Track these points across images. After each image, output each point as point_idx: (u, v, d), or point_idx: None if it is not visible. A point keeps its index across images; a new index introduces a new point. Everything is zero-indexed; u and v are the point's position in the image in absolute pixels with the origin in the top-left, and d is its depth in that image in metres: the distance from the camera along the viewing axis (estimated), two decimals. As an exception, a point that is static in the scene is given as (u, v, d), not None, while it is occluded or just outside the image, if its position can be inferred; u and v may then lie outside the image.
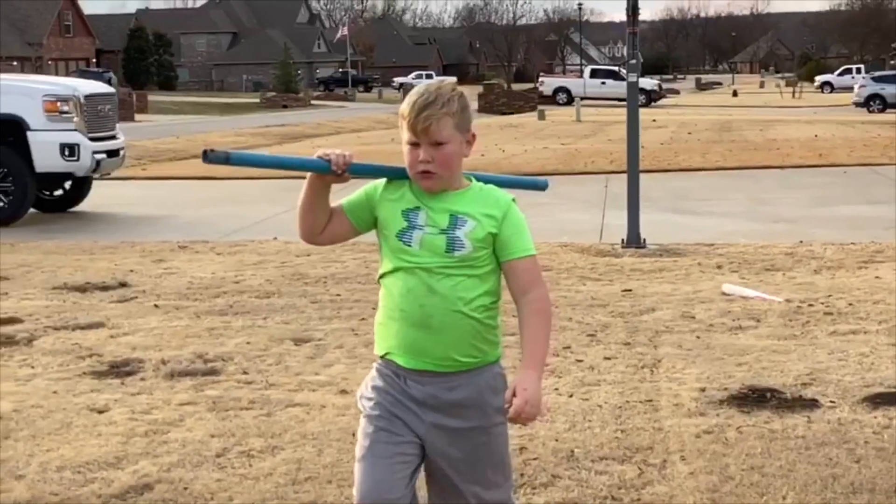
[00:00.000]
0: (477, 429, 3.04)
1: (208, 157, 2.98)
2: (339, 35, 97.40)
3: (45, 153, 13.41)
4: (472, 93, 67.50)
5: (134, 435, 5.19)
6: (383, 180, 3.09)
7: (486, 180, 3.15)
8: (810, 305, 7.90)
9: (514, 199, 3.08)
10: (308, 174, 3.03)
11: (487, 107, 53.14)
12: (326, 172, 2.99)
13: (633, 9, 11.11)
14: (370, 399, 3.06)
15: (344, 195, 3.16)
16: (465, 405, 3.01)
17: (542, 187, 3.62)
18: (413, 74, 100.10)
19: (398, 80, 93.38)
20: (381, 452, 2.98)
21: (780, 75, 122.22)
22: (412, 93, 3.01)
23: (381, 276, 3.06)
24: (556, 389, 5.88)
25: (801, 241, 10.87)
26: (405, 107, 2.99)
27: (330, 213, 3.10)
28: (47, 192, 14.89)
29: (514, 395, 2.94)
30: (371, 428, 3.01)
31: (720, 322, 7.43)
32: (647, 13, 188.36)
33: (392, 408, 3.01)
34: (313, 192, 3.05)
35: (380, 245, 3.07)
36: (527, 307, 3.01)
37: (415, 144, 2.97)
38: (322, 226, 3.10)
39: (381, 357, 3.07)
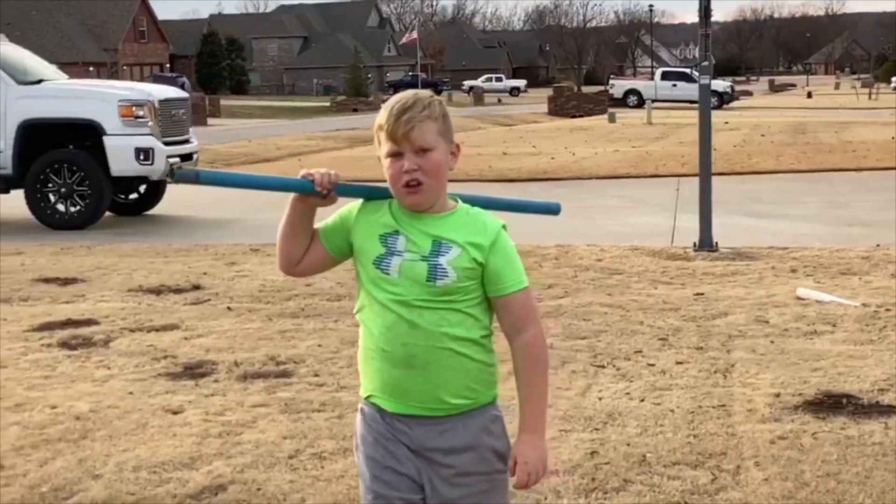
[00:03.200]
0: (475, 475, 2.75)
1: (175, 175, 2.74)
2: (405, 38, 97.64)
3: (120, 157, 13.61)
4: (541, 95, 67.51)
5: (208, 436, 5.24)
6: (360, 201, 2.80)
7: (485, 204, 2.88)
8: (887, 310, 7.76)
9: (504, 226, 2.78)
10: (291, 196, 2.74)
11: (557, 110, 52.94)
12: (310, 193, 2.70)
13: (705, 10, 11.02)
14: (363, 455, 2.79)
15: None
16: (460, 450, 2.74)
17: (554, 211, 3.22)
18: (483, 78, 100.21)
19: (468, 83, 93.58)
20: None
21: (855, 76, 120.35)
22: (387, 102, 2.73)
23: (359, 311, 2.78)
24: (628, 394, 5.84)
25: (878, 245, 10.69)
26: (382, 115, 2.70)
27: (311, 238, 2.81)
28: (122, 196, 15.12)
29: (514, 463, 2.75)
30: (370, 495, 2.75)
31: (795, 327, 7.33)
32: (719, 14, 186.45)
33: (385, 461, 2.74)
34: (295, 216, 2.76)
35: (356, 274, 2.78)
36: (521, 352, 2.75)
37: (396, 155, 2.67)
38: (300, 254, 2.80)
39: (365, 398, 2.81)
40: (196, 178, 2.75)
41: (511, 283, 2.73)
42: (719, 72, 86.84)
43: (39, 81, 14.32)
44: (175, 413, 5.63)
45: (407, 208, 2.72)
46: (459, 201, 2.83)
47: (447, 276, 2.68)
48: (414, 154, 2.67)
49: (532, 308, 2.78)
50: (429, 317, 2.68)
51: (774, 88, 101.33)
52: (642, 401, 5.72)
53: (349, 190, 2.77)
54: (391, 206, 2.75)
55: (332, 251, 2.80)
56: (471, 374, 2.73)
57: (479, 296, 2.73)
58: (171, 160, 13.98)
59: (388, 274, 2.69)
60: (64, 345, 7.16)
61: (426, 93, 2.75)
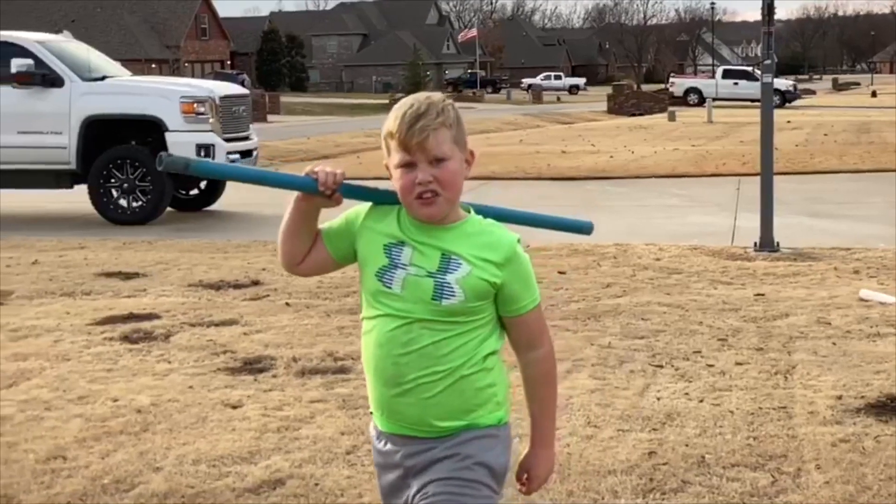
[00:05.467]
0: (449, 480, 2.53)
1: (163, 162, 2.53)
2: (464, 36, 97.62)
3: (181, 153, 13.60)
4: (600, 94, 67.23)
5: (266, 431, 5.28)
6: (368, 205, 2.62)
7: (506, 217, 2.69)
8: (953, 313, 7.64)
9: (518, 240, 2.58)
10: (294, 193, 2.59)
11: (617, 108, 52.71)
12: (313, 192, 2.54)
13: (768, 8, 10.90)
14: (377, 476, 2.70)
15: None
16: (440, 459, 2.55)
17: (585, 231, 2.98)
18: (542, 76, 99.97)
19: (527, 81, 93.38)
20: None
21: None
22: (397, 107, 2.54)
23: (362, 318, 2.63)
24: (686, 394, 5.80)
25: (943, 246, 10.52)
26: (392, 122, 2.51)
27: (315, 239, 2.66)
28: (183, 192, 15.27)
29: (527, 477, 2.66)
30: None
31: (857, 328, 7.24)
32: (782, 12, 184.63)
33: (387, 498, 2.67)
34: (298, 215, 2.60)
35: (360, 280, 2.62)
36: (534, 368, 2.62)
37: (409, 165, 2.48)
38: (302, 254, 2.65)
39: (371, 412, 2.68)
40: (185, 168, 2.56)
41: (528, 302, 2.58)
42: (782, 70, 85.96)
43: (103, 78, 14.49)
44: (234, 407, 5.67)
45: (420, 221, 2.53)
46: (472, 211, 2.62)
47: (454, 295, 2.49)
48: (428, 164, 2.48)
49: (544, 323, 2.65)
50: (428, 338, 2.50)
51: (838, 87, 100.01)
52: (701, 401, 5.67)
53: (356, 192, 2.60)
54: (400, 213, 2.56)
55: (336, 255, 2.64)
56: (466, 396, 2.54)
57: (488, 314, 2.56)
58: (231, 156, 14.11)
59: (389, 288, 2.52)
60: (125, 338, 7.24)
61: (439, 96, 2.57)
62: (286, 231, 2.63)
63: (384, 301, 2.53)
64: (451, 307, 2.49)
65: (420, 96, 2.55)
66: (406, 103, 2.52)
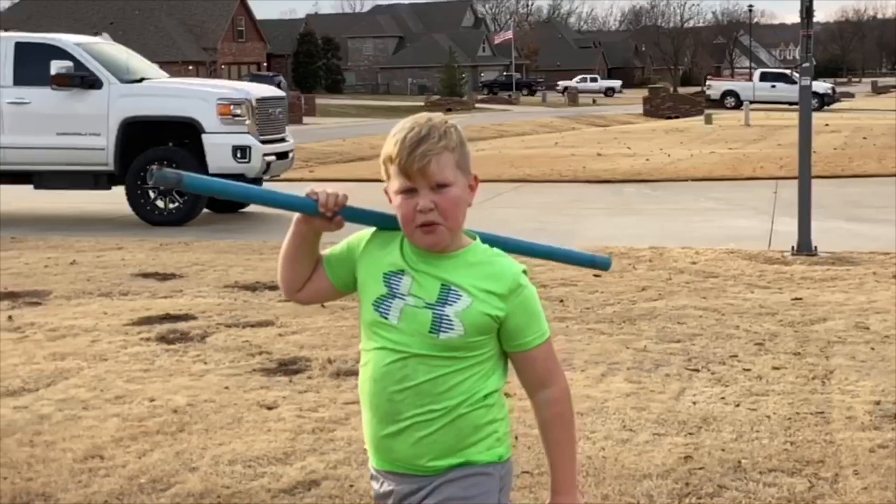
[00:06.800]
0: None
1: (154, 176, 2.39)
2: (500, 38, 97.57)
3: (218, 155, 13.81)
4: (636, 96, 66.98)
5: (301, 432, 5.29)
6: (372, 230, 2.49)
7: (513, 248, 2.53)
8: None
9: (524, 271, 2.43)
10: (295, 215, 2.48)
11: (653, 111, 52.49)
12: (312, 214, 2.42)
13: (807, 10, 10.83)
14: None
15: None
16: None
17: (602, 266, 2.79)
18: (577, 78, 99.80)
19: (562, 83, 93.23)
20: None
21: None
22: (397, 129, 2.39)
23: (361, 349, 2.51)
24: (723, 398, 5.77)
25: (984, 251, 10.41)
26: (392, 147, 2.37)
27: (315, 265, 2.54)
28: (221, 193, 15.33)
29: None
30: None
31: (896, 333, 7.17)
32: (821, 15, 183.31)
33: None
34: (298, 239, 2.49)
35: (360, 310, 2.49)
36: (546, 410, 2.45)
37: (410, 191, 2.35)
38: (302, 281, 2.53)
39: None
40: (178, 182, 2.40)
41: (534, 336, 2.43)
42: (820, 73, 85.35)
43: (141, 80, 14.60)
44: (269, 408, 5.69)
45: (423, 249, 2.41)
46: (478, 238, 2.47)
47: (452, 329, 2.36)
48: (430, 190, 2.35)
49: (555, 359, 2.48)
50: (424, 374, 2.37)
51: (877, 90, 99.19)
52: (738, 406, 5.64)
53: (359, 215, 2.47)
54: (403, 240, 2.43)
55: (337, 283, 2.52)
56: (463, 434, 2.41)
57: (490, 350, 2.42)
58: (267, 158, 14.18)
59: (386, 318, 2.40)
60: (162, 339, 7.29)
61: (440, 117, 2.41)
62: (285, 256, 2.53)
63: (381, 332, 2.41)
64: (450, 341, 2.36)
65: (420, 118, 2.40)
66: (406, 126, 2.38)
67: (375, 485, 2.53)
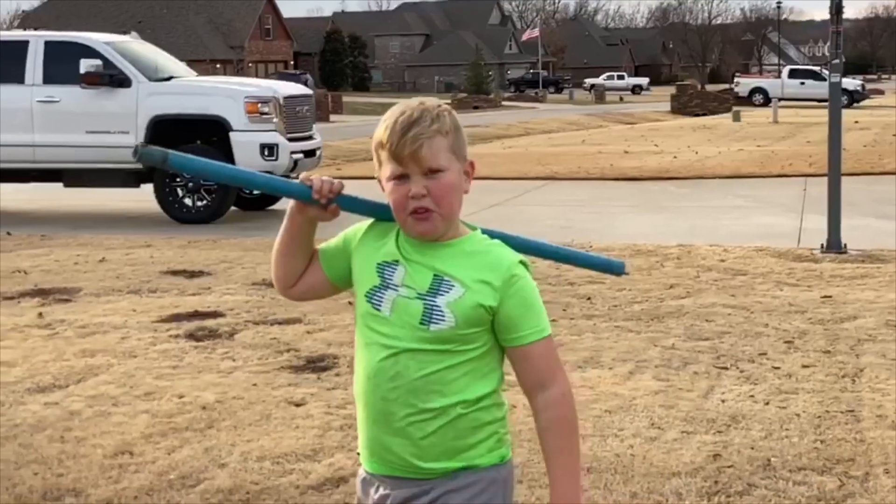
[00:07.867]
0: None
1: (140, 154, 2.31)
2: (526, 36, 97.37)
3: (246, 153, 13.85)
4: (664, 93, 66.70)
5: (330, 428, 5.31)
6: (369, 221, 2.41)
7: (519, 246, 2.39)
8: None
9: (522, 262, 2.33)
10: (289, 205, 2.40)
11: (680, 108, 52.27)
12: (306, 200, 2.34)
13: (837, 7, 10.76)
14: None
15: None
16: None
17: (616, 271, 2.65)
18: (604, 75, 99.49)
19: (589, 81, 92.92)
20: None
21: None
22: (388, 114, 2.30)
23: (356, 344, 2.44)
24: (752, 396, 5.74)
25: None
26: (382, 131, 2.28)
27: (310, 259, 2.46)
28: (247, 191, 15.39)
29: None
30: None
31: (927, 332, 7.12)
32: (850, 11, 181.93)
33: None
34: (293, 229, 2.41)
35: (355, 303, 2.42)
36: (545, 413, 2.31)
37: (401, 177, 2.27)
38: (296, 275, 2.46)
39: (359, 454, 2.47)
40: (164, 161, 2.33)
41: (530, 331, 2.30)
42: (849, 70, 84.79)
43: (169, 78, 14.67)
44: (298, 405, 5.71)
45: (415, 238, 2.32)
46: (478, 229, 2.38)
47: (443, 320, 2.26)
48: (422, 176, 2.26)
49: (556, 360, 2.34)
50: (415, 369, 2.28)
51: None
52: (767, 404, 5.61)
53: (355, 205, 2.38)
54: (399, 231, 2.35)
55: (332, 277, 2.45)
56: (463, 435, 2.31)
57: (484, 344, 2.31)
58: (295, 156, 14.21)
59: (378, 310, 2.33)
60: (191, 336, 7.32)
61: (433, 101, 2.32)
62: (279, 250, 2.45)
63: (372, 325, 2.34)
64: (441, 333, 2.27)
65: (412, 102, 2.30)
66: (397, 110, 2.29)
67: (368, 490, 2.42)
